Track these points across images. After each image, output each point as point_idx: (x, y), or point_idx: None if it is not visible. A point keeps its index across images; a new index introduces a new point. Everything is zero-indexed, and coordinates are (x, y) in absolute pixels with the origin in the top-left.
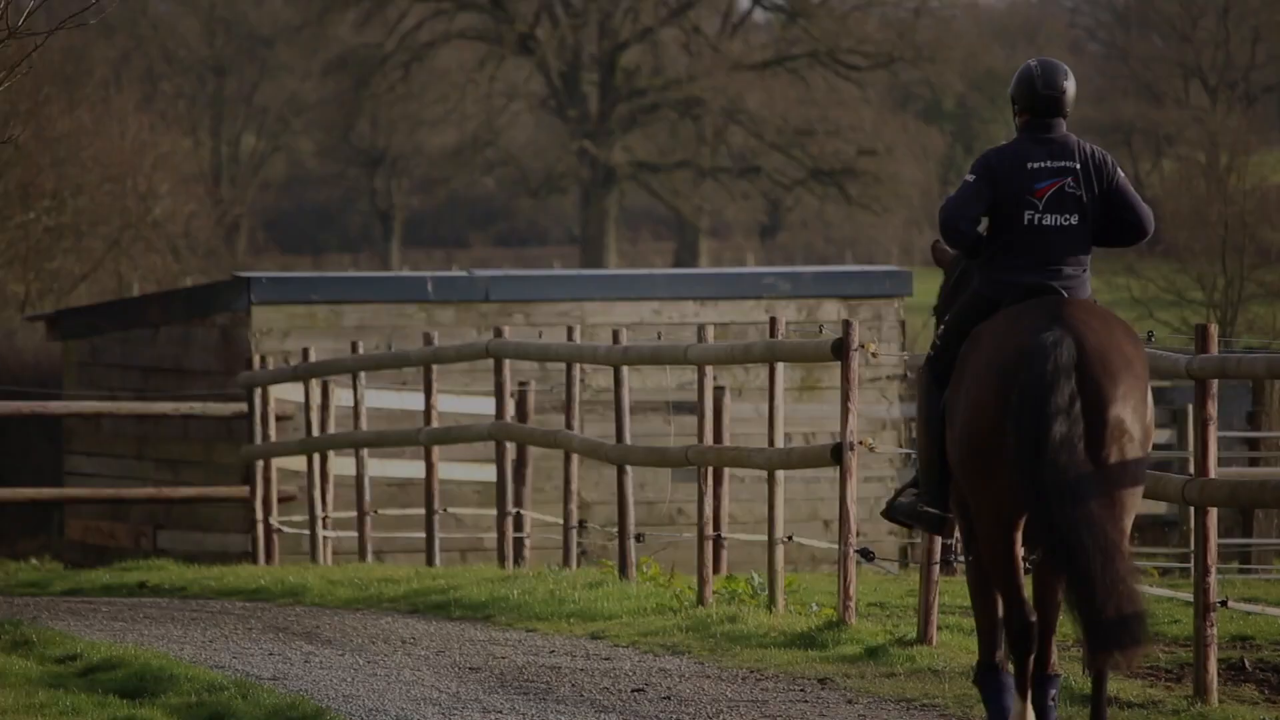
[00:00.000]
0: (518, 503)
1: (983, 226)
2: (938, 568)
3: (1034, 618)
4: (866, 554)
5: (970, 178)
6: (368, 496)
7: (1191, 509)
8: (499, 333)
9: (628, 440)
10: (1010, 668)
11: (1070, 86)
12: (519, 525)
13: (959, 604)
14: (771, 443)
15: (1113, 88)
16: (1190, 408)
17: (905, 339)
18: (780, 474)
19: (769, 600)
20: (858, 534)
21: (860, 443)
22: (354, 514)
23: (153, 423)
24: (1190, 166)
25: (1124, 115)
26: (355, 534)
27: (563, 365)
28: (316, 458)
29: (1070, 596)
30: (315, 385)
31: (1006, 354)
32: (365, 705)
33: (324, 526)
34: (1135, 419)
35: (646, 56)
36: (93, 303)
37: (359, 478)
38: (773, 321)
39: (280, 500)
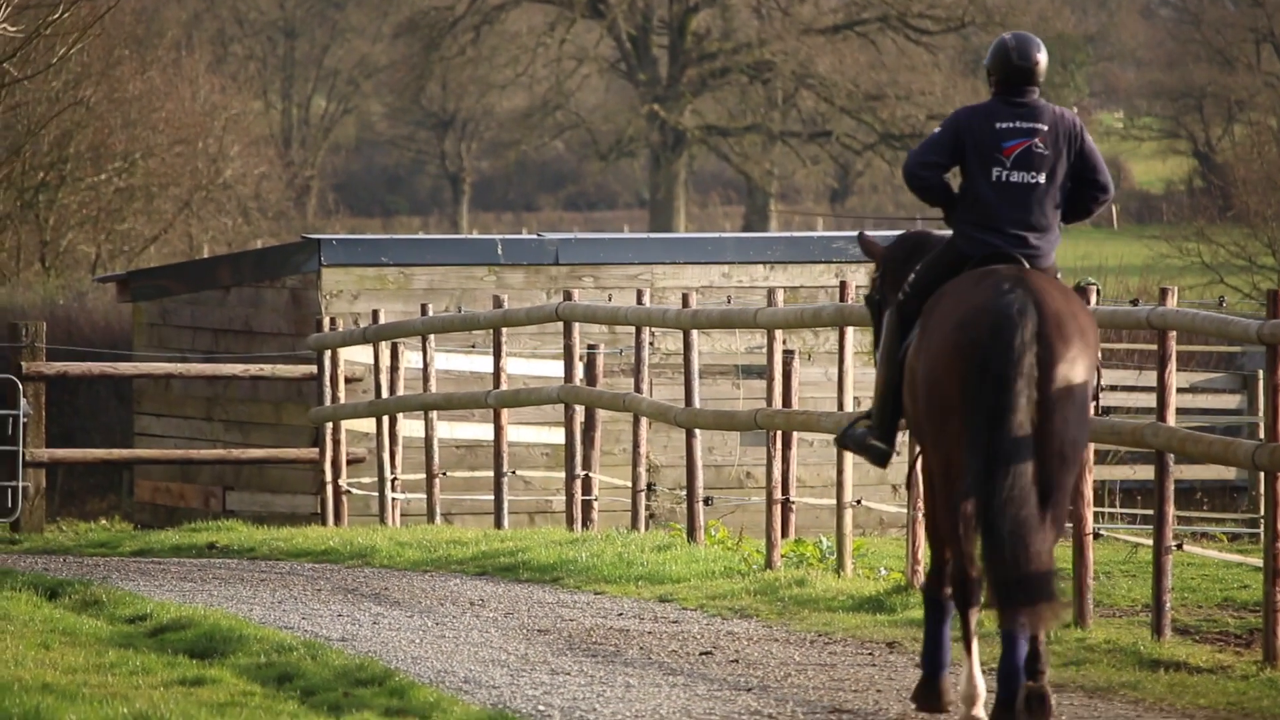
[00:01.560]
0: (586, 466)
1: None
2: None
3: (976, 574)
4: None
5: (937, 130)
6: (436, 459)
7: (1261, 474)
8: (568, 296)
9: (696, 404)
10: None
11: (1043, 58)
12: (587, 488)
13: None
14: (841, 406)
15: (1184, 52)
16: (1260, 373)
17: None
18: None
19: (837, 564)
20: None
21: None
22: (423, 476)
23: (222, 384)
24: (1262, 131)
25: (1195, 80)
26: (424, 496)
27: (632, 329)
28: (385, 420)
29: (986, 546)
30: (385, 347)
31: (968, 311)
32: (434, 667)
33: (393, 488)
34: (1082, 386)
35: (717, 20)
36: (163, 264)
37: (428, 440)
38: (843, 285)
39: (349, 462)
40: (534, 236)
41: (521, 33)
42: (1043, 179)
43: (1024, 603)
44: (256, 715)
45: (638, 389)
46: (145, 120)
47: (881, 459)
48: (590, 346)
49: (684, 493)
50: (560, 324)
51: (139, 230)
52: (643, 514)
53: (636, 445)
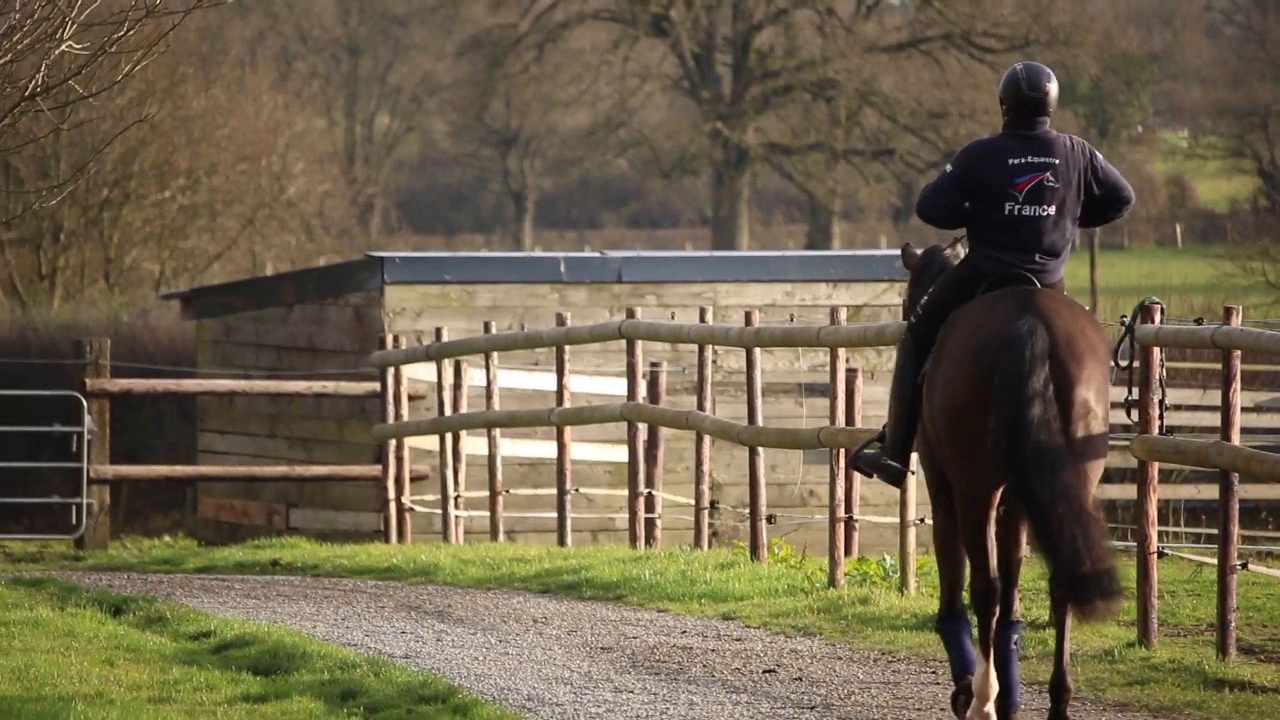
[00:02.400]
0: (649, 483)
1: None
2: None
3: (998, 584)
4: None
5: (949, 168)
6: (499, 476)
7: None
8: (631, 314)
9: (759, 422)
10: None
11: (1053, 89)
12: (650, 506)
13: None
14: None
15: (1249, 71)
16: None
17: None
18: (913, 456)
19: (901, 582)
20: None
21: None
22: (486, 493)
23: (286, 401)
24: None
25: (1260, 99)
26: (487, 513)
27: (695, 346)
28: (449, 437)
29: (1050, 558)
30: (448, 365)
31: (983, 339)
32: (497, 684)
33: (456, 506)
34: (1099, 399)
35: (780, 38)
36: (227, 281)
37: (491, 457)
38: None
39: (412, 479)
40: (597, 254)
41: (585, 50)
42: (1053, 211)
43: (1097, 597)
44: None
45: (700, 407)
46: (209, 138)
47: (897, 478)
48: (653, 364)
49: (747, 511)
50: (623, 342)
51: (203, 247)
52: (706, 532)
53: (699, 463)
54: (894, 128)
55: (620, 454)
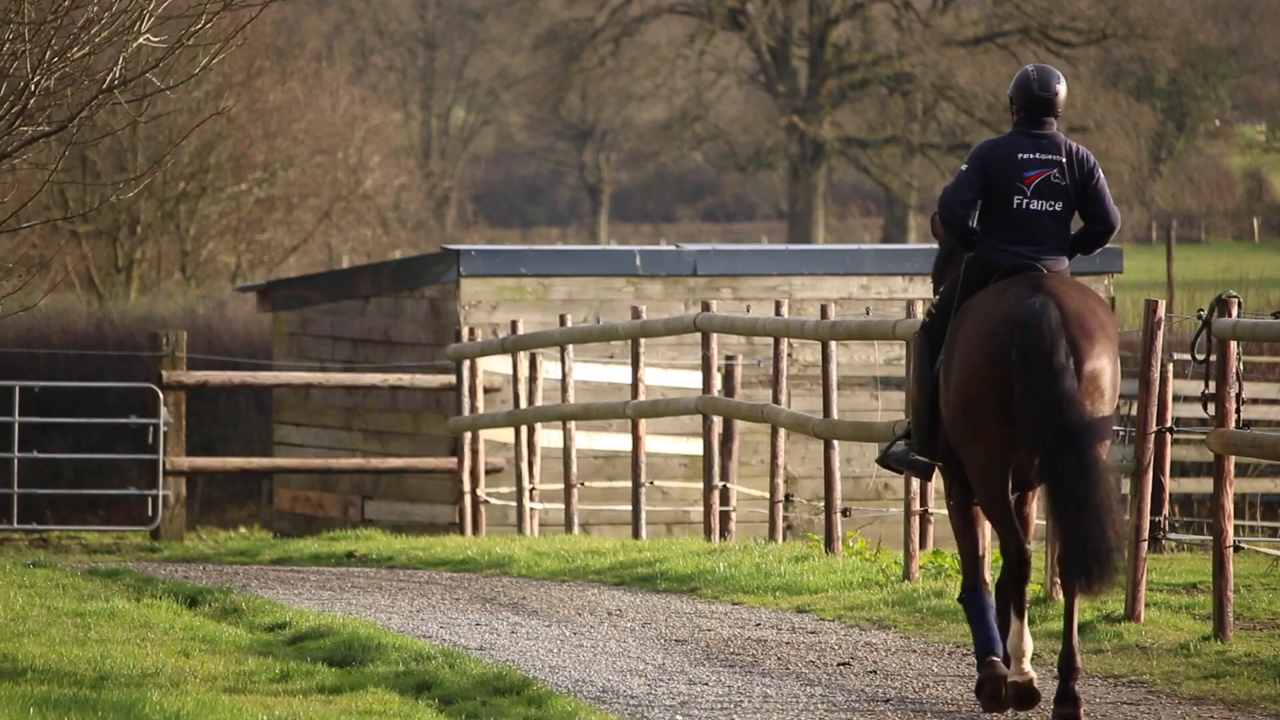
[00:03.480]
0: (724, 476)
1: (974, 221)
2: (1146, 545)
3: (1030, 545)
4: None
5: (965, 167)
6: (574, 469)
7: None
8: (706, 307)
9: (835, 415)
10: (990, 591)
11: (1062, 90)
12: (725, 499)
13: (1167, 581)
14: None
15: None
16: None
17: (1115, 315)
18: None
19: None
20: None
21: None
22: (561, 486)
23: (361, 394)
24: None
25: None
26: (562, 506)
27: (770, 340)
28: (524, 430)
29: (1070, 531)
30: (523, 358)
31: (995, 322)
32: (571, 676)
33: (531, 498)
34: (1109, 377)
35: (857, 32)
36: (303, 274)
37: (566, 450)
38: None
39: (487, 472)
40: (672, 248)
41: (661, 44)
42: (1060, 206)
43: (1108, 573)
44: None
45: (776, 400)
46: (285, 131)
47: (926, 472)
48: (728, 357)
49: (822, 504)
50: (698, 335)
51: (279, 240)
52: (780, 525)
53: (774, 456)
54: (970, 121)
55: (695, 447)
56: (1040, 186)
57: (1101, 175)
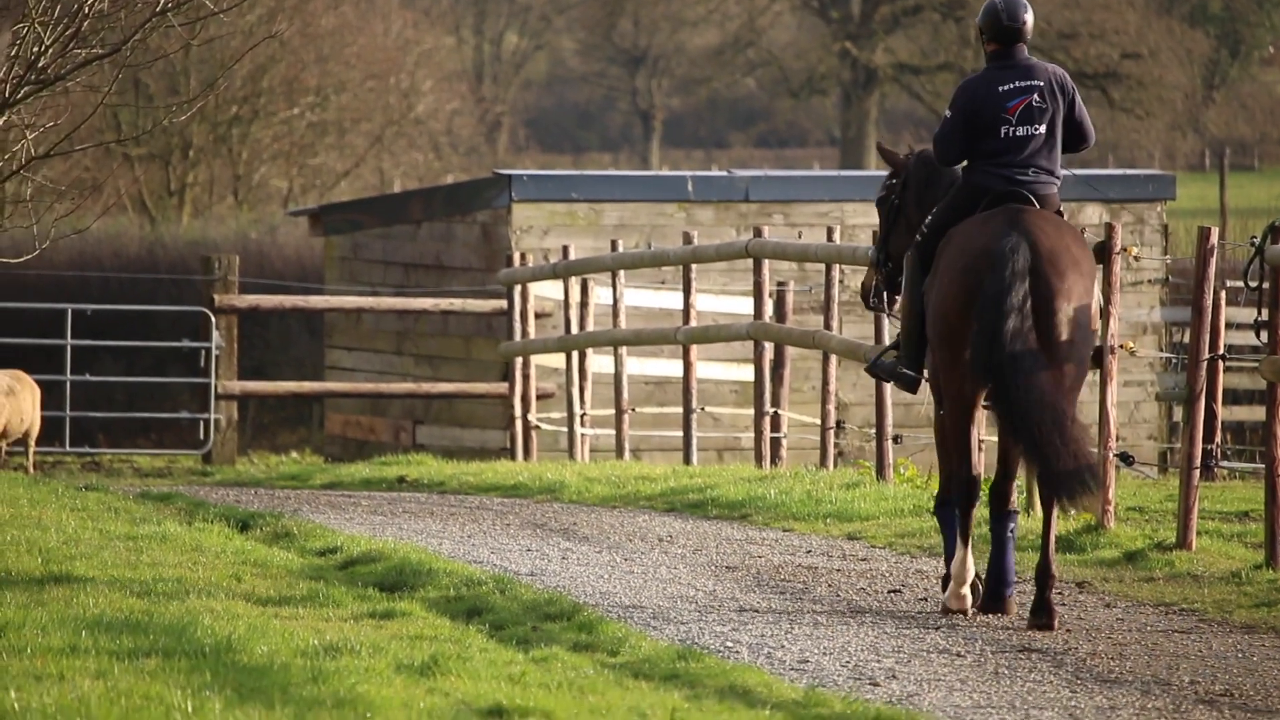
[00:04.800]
0: (775, 403)
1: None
2: (1198, 473)
3: (979, 474)
4: (1126, 458)
5: (948, 113)
6: (625, 395)
7: None
8: (758, 233)
9: (886, 342)
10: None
11: (1029, 18)
12: (776, 425)
13: (1219, 509)
14: None
15: None
16: None
17: (1167, 243)
18: None
19: (1026, 503)
20: (1117, 439)
21: (1121, 346)
22: (612, 412)
23: (413, 318)
24: None
25: None
26: (613, 432)
27: (822, 266)
28: (575, 355)
29: (1027, 455)
30: (574, 283)
31: (972, 256)
32: (622, 602)
33: (582, 424)
34: (1080, 309)
35: None
36: (355, 199)
37: (617, 376)
38: None
39: (539, 397)
40: (724, 173)
41: None
42: (1043, 129)
43: (1078, 492)
44: (446, 648)
45: (827, 326)
46: (338, 55)
47: (912, 385)
48: (780, 283)
49: (873, 430)
50: (750, 261)
51: (331, 165)
52: (831, 451)
53: (825, 383)
54: None
55: (746, 373)
56: (1023, 113)
57: (1078, 95)
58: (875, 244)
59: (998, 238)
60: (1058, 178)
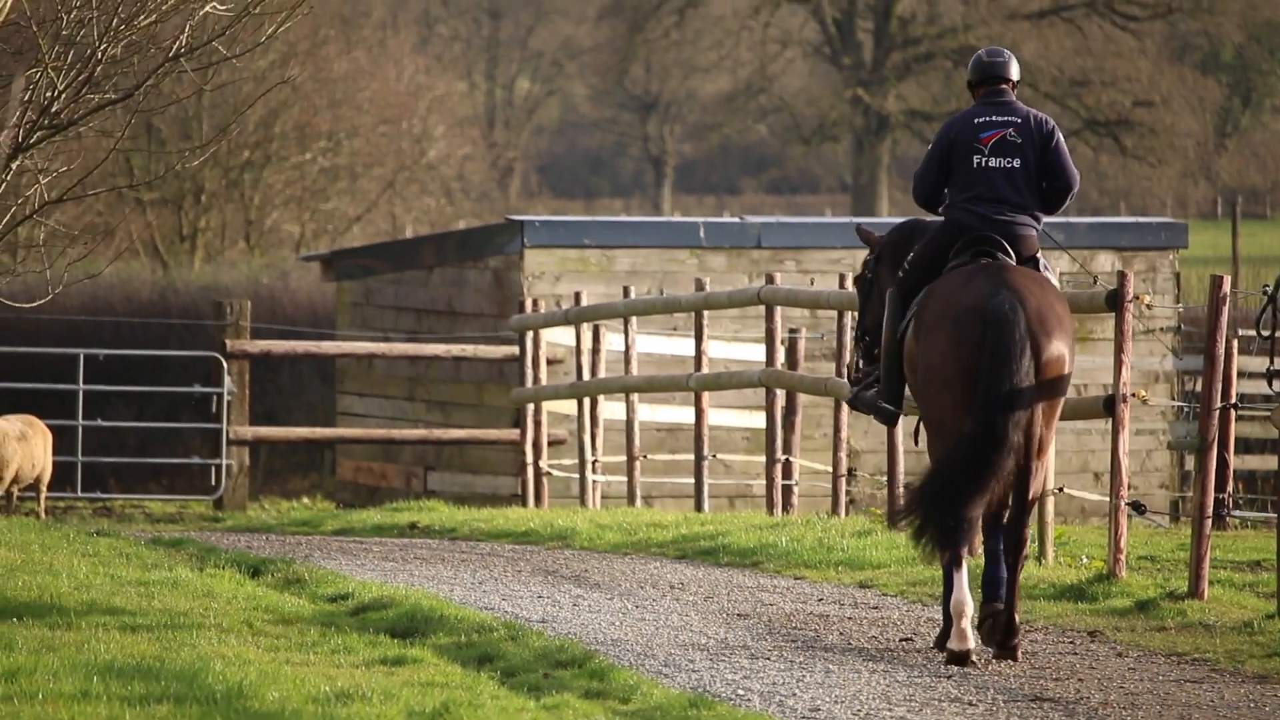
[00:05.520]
0: (787, 450)
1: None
2: (1210, 522)
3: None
4: (1138, 507)
5: (930, 148)
6: (637, 441)
7: None
8: (770, 279)
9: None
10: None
11: (1012, 63)
12: (788, 472)
13: (1230, 558)
14: None
15: None
16: None
17: (1180, 291)
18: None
19: (1039, 552)
20: (1129, 487)
21: (1133, 395)
22: (623, 458)
23: (425, 364)
24: None
25: None
26: (624, 478)
27: (834, 313)
28: (587, 402)
29: (955, 487)
30: (586, 329)
31: (962, 311)
32: (633, 649)
33: (593, 470)
34: (1066, 365)
35: (922, 4)
36: (367, 244)
37: (629, 422)
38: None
39: (550, 444)
40: (736, 220)
41: (726, 16)
42: (1018, 164)
43: (935, 532)
44: (457, 695)
45: (839, 373)
46: (350, 100)
47: (891, 419)
48: (792, 330)
49: (885, 478)
50: (762, 307)
51: (343, 210)
52: (843, 499)
53: (837, 430)
54: (1035, 95)
55: (758, 420)
56: (997, 145)
57: (1061, 138)
58: (854, 324)
59: (989, 295)
60: (1037, 220)
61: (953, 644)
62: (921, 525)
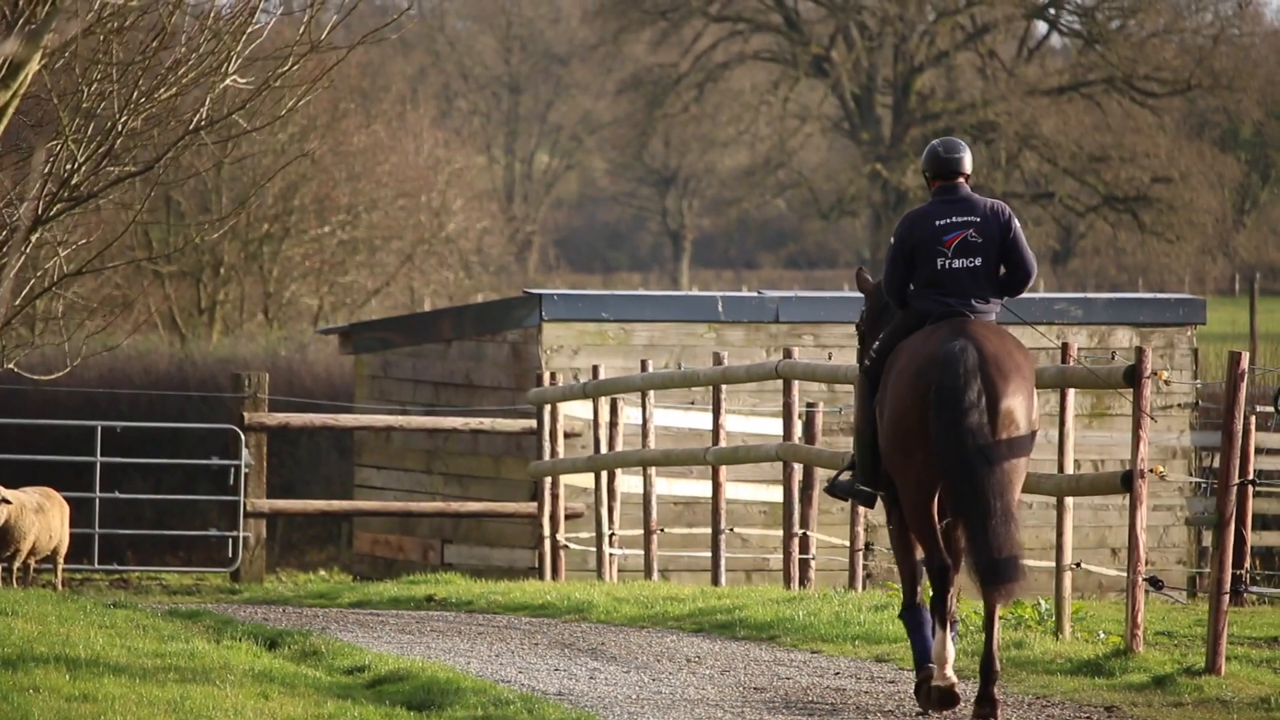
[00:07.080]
0: (804, 524)
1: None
2: (1227, 597)
3: (950, 561)
4: (1155, 582)
5: (891, 247)
6: (654, 515)
7: None
8: (788, 354)
9: None
10: (926, 605)
11: (967, 156)
12: (805, 547)
13: (1248, 634)
14: (1061, 469)
15: None
16: None
17: (1198, 367)
18: (1069, 500)
19: (1055, 626)
20: (1147, 562)
21: (1151, 470)
22: (640, 532)
23: (442, 437)
24: None
25: None
26: (641, 552)
27: (851, 387)
28: (604, 475)
29: (975, 540)
30: (604, 403)
31: (922, 361)
32: None
33: (610, 544)
34: (1023, 410)
35: (941, 80)
36: (385, 317)
37: (646, 496)
38: (1064, 347)
39: (567, 517)
40: (754, 294)
41: (745, 91)
42: (979, 262)
43: (1011, 579)
44: None
45: None
46: (369, 174)
47: (869, 501)
48: (809, 404)
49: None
50: (780, 382)
51: (361, 283)
52: (860, 573)
53: (854, 505)
54: (1054, 171)
55: (775, 494)
56: (959, 246)
57: (1018, 227)
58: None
59: (945, 342)
60: (999, 301)
61: (937, 680)
62: (995, 581)
